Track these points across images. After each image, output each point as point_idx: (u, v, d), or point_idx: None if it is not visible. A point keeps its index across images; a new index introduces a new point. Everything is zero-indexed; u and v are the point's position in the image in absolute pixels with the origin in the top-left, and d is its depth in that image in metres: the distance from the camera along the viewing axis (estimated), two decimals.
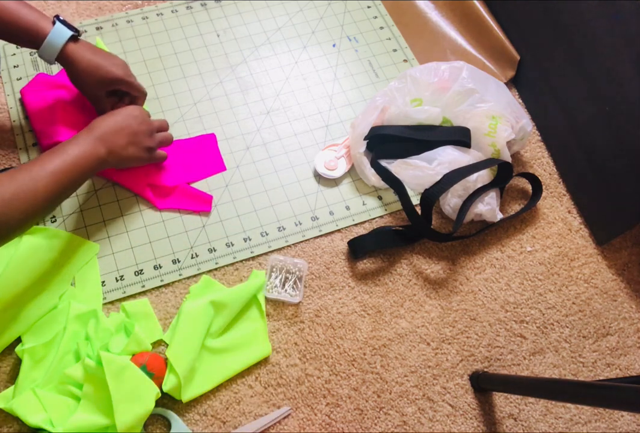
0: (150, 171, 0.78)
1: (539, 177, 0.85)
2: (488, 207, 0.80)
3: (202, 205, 0.79)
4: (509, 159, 0.81)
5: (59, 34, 0.67)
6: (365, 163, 0.81)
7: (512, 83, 0.96)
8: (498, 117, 0.79)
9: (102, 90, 0.72)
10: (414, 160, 0.80)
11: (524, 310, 0.79)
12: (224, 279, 0.76)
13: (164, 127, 0.77)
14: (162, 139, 0.75)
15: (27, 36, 0.67)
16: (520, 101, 0.95)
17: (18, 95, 0.84)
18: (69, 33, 0.68)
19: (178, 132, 0.85)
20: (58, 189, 0.60)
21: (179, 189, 0.79)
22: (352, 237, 0.79)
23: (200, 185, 0.81)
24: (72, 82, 0.72)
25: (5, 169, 0.77)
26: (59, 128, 0.77)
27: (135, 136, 0.69)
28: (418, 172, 0.79)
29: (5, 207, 0.55)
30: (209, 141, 0.84)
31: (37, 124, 0.80)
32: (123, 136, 0.68)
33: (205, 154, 0.83)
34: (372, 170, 0.81)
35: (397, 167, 0.80)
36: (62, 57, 0.69)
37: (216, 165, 0.83)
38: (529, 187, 0.87)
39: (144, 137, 0.70)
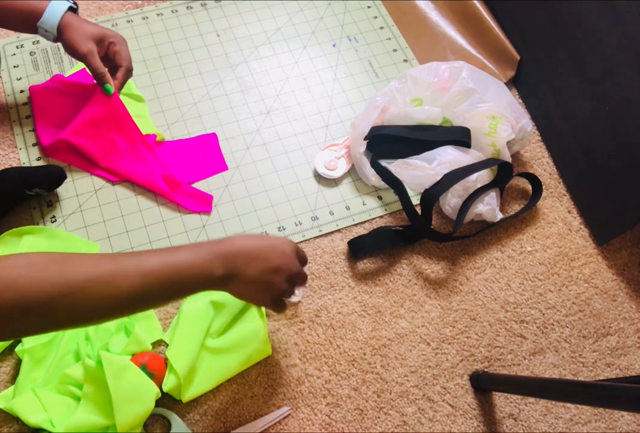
0: (153, 172, 0.78)
1: (539, 177, 0.85)
2: (488, 207, 0.80)
3: (202, 205, 0.79)
4: (509, 159, 0.81)
5: (58, 6, 0.70)
6: (365, 163, 0.81)
7: (512, 83, 0.96)
8: (498, 117, 0.79)
9: (91, 42, 0.71)
10: (414, 160, 0.80)
11: (524, 310, 0.79)
12: None
13: (303, 276, 0.60)
14: (294, 288, 0.60)
15: (23, 13, 0.69)
16: (520, 101, 0.95)
17: (18, 95, 0.84)
18: (68, 3, 0.70)
19: (178, 132, 0.85)
20: (143, 291, 0.46)
21: (180, 188, 0.79)
22: (352, 237, 0.79)
23: (200, 185, 0.81)
24: (66, 48, 0.72)
25: (5, 169, 0.77)
26: (62, 129, 0.77)
27: (271, 274, 0.54)
28: (418, 172, 0.79)
29: (75, 291, 0.43)
30: (210, 141, 0.84)
31: (40, 122, 0.80)
32: (255, 266, 0.53)
33: (207, 153, 0.83)
34: (372, 170, 0.81)
35: (397, 167, 0.80)
36: (60, 27, 0.70)
37: (218, 164, 0.83)
38: (529, 187, 0.87)
39: (279, 278, 0.56)
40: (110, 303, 0.45)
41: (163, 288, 0.48)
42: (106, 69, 0.74)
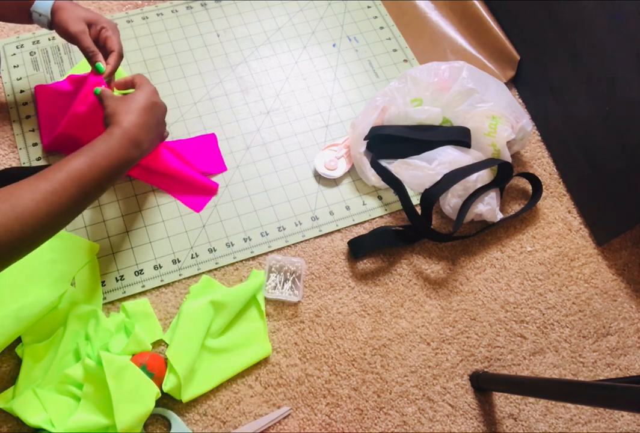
0: (153, 173, 0.78)
1: (539, 177, 0.85)
2: (488, 207, 0.80)
3: (205, 195, 0.80)
4: (509, 159, 0.81)
5: None
6: (365, 163, 0.81)
7: (512, 83, 0.96)
8: (498, 117, 0.79)
9: (82, 23, 0.70)
10: (414, 160, 0.80)
11: (524, 310, 0.79)
12: (224, 279, 0.76)
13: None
14: None
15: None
16: (520, 101, 0.95)
17: (18, 95, 0.84)
18: None
19: (178, 131, 0.85)
20: (80, 194, 0.55)
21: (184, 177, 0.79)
22: (352, 237, 0.79)
23: None
24: (58, 29, 0.71)
25: (5, 169, 0.77)
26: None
27: (159, 126, 0.67)
28: (418, 172, 0.79)
29: (46, 204, 0.52)
30: (209, 141, 0.84)
31: (43, 122, 0.80)
32: (153, 134, 0.65)
33: (206, 154, 0.83)
34: (372, 170, 0.81)
35: (397, 167, 0.80)
36: (54, 9, 0.70)
37: (217, 165, 0.83)
38: (529, 187, 0.87)
39: (163, 124, 0.69)
40: (57, 217, 0.54)
41: (95, 186, 0.57)
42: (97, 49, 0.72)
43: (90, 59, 0.72)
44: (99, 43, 0.72)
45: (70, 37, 0.71)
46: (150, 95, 0.66)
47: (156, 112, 0.66)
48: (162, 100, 0.68)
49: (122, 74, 0.85)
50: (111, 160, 0.58)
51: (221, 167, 0.83)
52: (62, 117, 0.78)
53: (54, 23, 0.71)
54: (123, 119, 0.62)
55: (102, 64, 0.71)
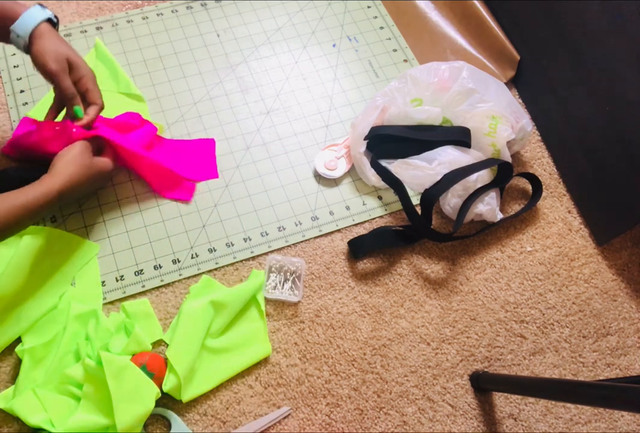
0: (144, 167, 0.78)
1: (539, 177, 0.85)
2: (488, 207, 0.80)
3: (183, 192, 0.79)
4: (509, 159, 0.81)
5: (37, 13, 0.66)
6: (365, 163, 0.81)
7: (512, 83, 0.96)
8: (498, 117, 0.79)
9: (64, 61, 0.67)
10: (414, 160, 0.80)
11: (524, 310, 0.79)
12: (224, 279, 0.76)
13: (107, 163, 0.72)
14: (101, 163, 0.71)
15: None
16: (520, 101, 0.95)
17: (18, 95, 0.84)
18: (49, 14, 0.67)
19: (178, 131, 0.85)
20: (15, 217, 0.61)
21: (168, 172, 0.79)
22: (352, 237, 0.79)
23: (200, 185, 0.81)
24: (36, 60, 0.67)
25: (5, 169, 0.77)
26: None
27: (89, 177, 0.69)
28: (418, 172, 0.79)
29: None
30: (207, 146, 0.84)
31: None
32: (82, 189, 0.69)
33: (201, 158, 0.83)
34: (372, 170, 0.81)
35: (397, 167, 0.80)
36: (34, 34, 0.66)
37: (209, 171, 0.82)
38: (529, 187, 0.87)
39: (99, 178, 0.71)
40: None
41: (28, 215, 0.62)
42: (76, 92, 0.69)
43: (69, 101, 0.68)
44: (78, 90, 0.69)
45: (48, 74, 0.67)
46: (80, 151, 0.68)
47: (87, 164, 0.68)
48: (92, 161, 0.69)
49: (131, 86, 0.85)
50: (39, 203, 0.63)
51: (213, 174, 0.82)
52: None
53: (32, 52, 0.67)
54: (57, 180, 0.65)
55: (81, 109, 0.69)
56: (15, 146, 0.77)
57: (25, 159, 0.78)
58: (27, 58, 0.86)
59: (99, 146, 0.72)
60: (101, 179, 0.73)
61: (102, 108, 0.72)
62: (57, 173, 0.66)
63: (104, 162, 0.71)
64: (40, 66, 0.67)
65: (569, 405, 0.75)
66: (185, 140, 0.84)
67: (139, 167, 0.78)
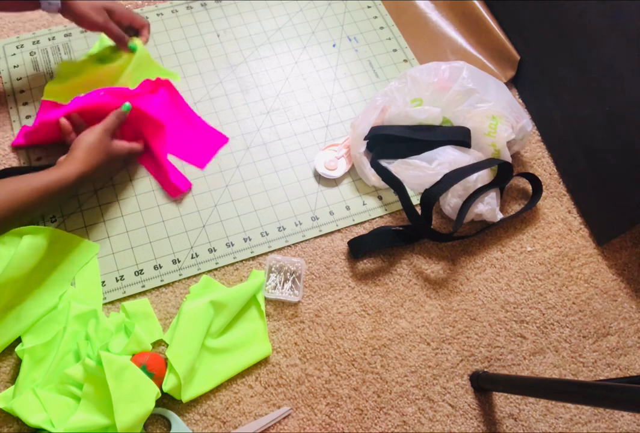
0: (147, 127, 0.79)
1: (539, 177, 0.85)
2: (488, 207, 0.80)
3: (177, 189, 0.80)
4: (509, 159, 0.81)
5: None
6: (365, 163, 0.81)
7: (512, 83, 0.96)
8: (498, 117, 0.79)
9: (103, 11, 0.76)
10: (414, 160, 0.80)
11: (524, 310, 0.79)
12: (224, 279, 0.76)
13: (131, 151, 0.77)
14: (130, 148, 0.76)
15: None
16: (520, 101, 0.95)
17: (18, 95, 0.84)
18: None
19: None
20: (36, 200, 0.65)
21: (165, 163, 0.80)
22: (352, 237, 0.79)
23: (200, 184, 0.81)
24: (78, 18, 0.75)
25: (4, 169, 0.77)
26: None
27: (107, 162, 0.72)
28: (418, 172, 0.79)
29: None
30: (217, 139, 0.84)
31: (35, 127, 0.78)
32: (101, 169, 0.71)
33: (204, 145, 0.84)
34: (372, 170, 0.81)
35: (397, 167, 0.80)
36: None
37: (202, 159, 0.83)
38: (529, 187, 0.87)
39: (117, 158, 0.74)
40: (16, 212, 0.64)
41: (51, 198, 0.66)
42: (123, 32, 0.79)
43: (122, 42, 0.79)
44: (122, 26, 0.79)
45: (96, 27, 0.76)
46: (100, 137, 0.71)
47: (106, 150, 0.71)
48: (110, 145, 0.72)
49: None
50: (58, 186, 0.66)
51: (201, 163, 0.83)
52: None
53: (70, 11, 0.74)
54: (76, 165, 0.68)
55: (133, 42, 0.80)
56: (38, 130, 0.77)
57: (43, 142, 0.80)
58: (27, 58, 0.87)
59: (116, 126, 0.75)
60: (119, 162, 0.76)
61: (149, 26, 0.84)
62: (76, 158, 0.68)
63: (121, 145, 0.74)
64: (88, 25, 0.76)
65: (569, 405, 0.75)
66: (205, 123, 0.85)
67: (155, 135, 0.80)
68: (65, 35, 0.90)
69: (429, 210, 0.78)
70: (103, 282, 0.73)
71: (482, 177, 0.80)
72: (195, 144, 0.83)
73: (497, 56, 0.95)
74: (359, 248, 0.78)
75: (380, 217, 0.83)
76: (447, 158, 0.79)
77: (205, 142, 0.84)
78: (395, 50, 0.96)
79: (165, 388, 0.65)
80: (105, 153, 0.71)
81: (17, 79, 0.85)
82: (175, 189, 0.79)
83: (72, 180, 0.67)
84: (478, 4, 0.96)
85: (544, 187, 0.87)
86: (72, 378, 0.64)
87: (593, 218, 0.86)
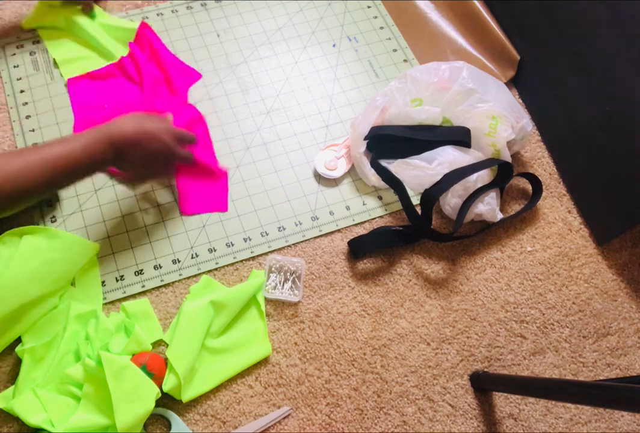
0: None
1: (539, 177, 0.85)
2: (488, 207, 0.80)
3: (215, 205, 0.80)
4: (509, 159, 0.81)
5: None
6: (365, 163, 0.81)
7: (512, 83, 0.96)
8: (498, 117, 0.79)
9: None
10: (414, 160, 0.80)
11: (524, 310, 0.79)
12: (224, 279, 0.76)
13: (184, 156, 0.70)
14: (173, 169, 0.72)
15: None
16: (520, 101, 0.95)
17: (18, 95, 0.84)
18: None
19: None
20: (47, 179, 0.58)
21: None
22: (352, 237, 0.79)
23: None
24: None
25: None
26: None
27: (150, 158, 0.65)
28: (418, 172, 0.79)
29: (14, 180, 0.55)
30: (191, 75, 0.88)
31: (77, 111, 0.83)
32: (137, 151, 0.63)
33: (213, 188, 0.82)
34: (372, 170, 0.81)
35: (397, 167, 0.80)
36: None
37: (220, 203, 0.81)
38: (529, 187, 0.87)
39: (158, 162, 0.67)
40: (20, 194, 0.56)
41: (65, 175, 0.59)
42: None
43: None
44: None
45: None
46: (160, 128, 0.64)
47: (151, 140, 0.63)
48: (165, 143, 0.65)
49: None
50: (83, 156, 0.59)
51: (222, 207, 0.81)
52: (97, 105, 0.81)
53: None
54: (115, 122, 0.62)
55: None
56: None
57: None
58: (27, 58, 0.87)
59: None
60: (163, 159, 0.67)
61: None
62: (112, 122, 0.62)
63: (180, 135, 0.68)
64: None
65: (569, 405, 0.75)
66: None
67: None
68: None
69: (429, 210, 0.78)
70: (103, 282, 0.73)
71: (482, 177, 0.80)
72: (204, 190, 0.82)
73: (497, 56, 0.95)
74: (359, 248, 0.78)
75: (380, 217, 0.83)
76: (447, 158, 0.79)
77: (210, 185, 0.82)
78: (395, 50, 0.96)
79: (165, 388, 0.65)
80: (158, 131, 0.63)
81: (17, 79, 0.85)
82: (222, 202, 0.80)
83: (106, 142, 0.58)
84: (478, 4, 0.96)
85: (544, 187, 0.87)
86: (72, 378, 0.64)
87: (593, 219, 0.86)
